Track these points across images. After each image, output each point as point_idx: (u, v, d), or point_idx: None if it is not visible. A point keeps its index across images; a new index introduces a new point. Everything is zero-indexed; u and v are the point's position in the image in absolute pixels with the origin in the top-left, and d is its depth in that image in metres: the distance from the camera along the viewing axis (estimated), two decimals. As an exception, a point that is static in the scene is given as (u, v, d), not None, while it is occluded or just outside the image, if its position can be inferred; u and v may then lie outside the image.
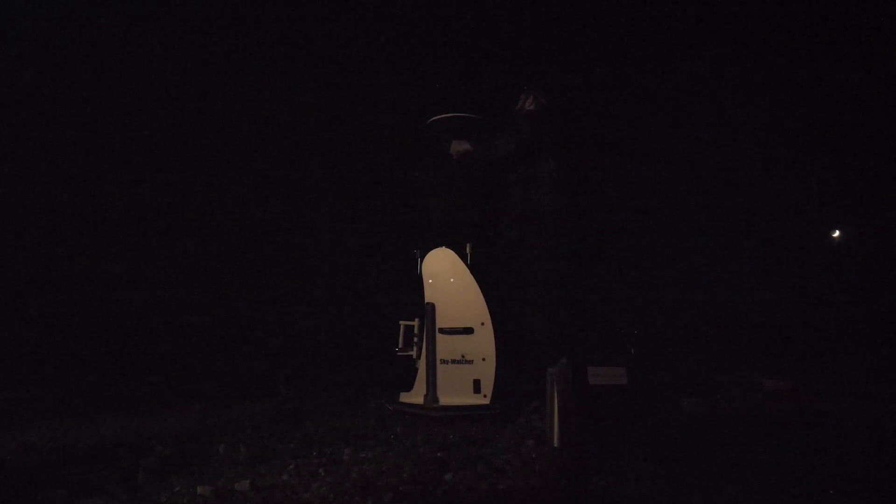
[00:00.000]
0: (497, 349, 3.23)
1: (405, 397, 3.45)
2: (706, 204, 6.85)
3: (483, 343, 3.26)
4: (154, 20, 5.66)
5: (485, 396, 3.21)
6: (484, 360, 3.24)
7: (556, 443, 2.36)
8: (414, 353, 3.50)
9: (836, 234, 8.13)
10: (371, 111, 5.89)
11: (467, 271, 3.39)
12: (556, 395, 2.38)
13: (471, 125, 3.66)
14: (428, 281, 3.47)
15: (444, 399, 3.29)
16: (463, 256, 3.43)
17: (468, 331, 3.30)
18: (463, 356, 3.29)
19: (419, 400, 3.35)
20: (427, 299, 3.45)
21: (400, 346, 3.56)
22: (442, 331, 3.36)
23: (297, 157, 6.05)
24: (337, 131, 6.02)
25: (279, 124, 6.05)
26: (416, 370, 3.45)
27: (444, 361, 3.33)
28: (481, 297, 3.32)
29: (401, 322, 3.59)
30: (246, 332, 5.75)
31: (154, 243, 5.74)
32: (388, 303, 4.63)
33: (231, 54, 5.83)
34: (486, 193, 3.70)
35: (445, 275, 3.43)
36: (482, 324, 3.28)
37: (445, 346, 3.34)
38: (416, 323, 3.52)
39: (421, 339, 3.44)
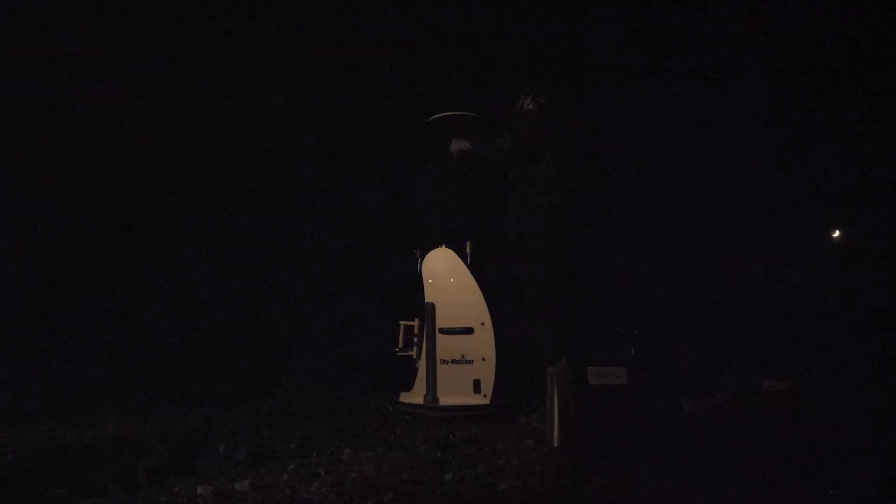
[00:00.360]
0: (497, 349, 3.23)
1: (405, 397, 3.46)
2: (706, 203, 6.85)
3: (483, 343, 3.26)
4: (153, 20, 5.66)
5: (485, 396, 3.21)
6: (484, 360, 3.24)
7: (556, 443, 2.36)
8: (414, 353, 3.50)
9: (836, 234, 8.13)
10: (371, 110, 5.89)
11: (467, 271, 3.39)
12: (556, 395, 2.38)
13: (471, 124, 3.66)
14: (428, 281, 3.47)
15: (444, 399, 3.29)
16: (463, 255, 3.43)
17: (468, 331, 3.30)
18: (463, 356, 3.29)
19: (419, 400, 3.35)
20: (427, 299, 3.45)
21: (400, 346, 3.56)
22: (442, 331, 3.37)
23: (298, 156, 6.05)
24: (337, 130, 6.02)
25: (279, 123, 6.04)
26: (416, 370, 3.45)
27: (444, 361, 3.33)
28: (481, 297, 3.32)
29: (401, 322, 3.60)
30: (246, 331, 5.75)
31: (154, 243, 5.74)
32: (388, 303, 4.63)
33: (229, 51, 5.83)
34: (487, 193, 3.71)
35: (445, 275, 3.43)
36: (482, 324, 3.28)
37: (445, 346, 3.34)
38: (416, 323, 3.52)
39: (421, 339, 3.44)
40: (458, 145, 3.58)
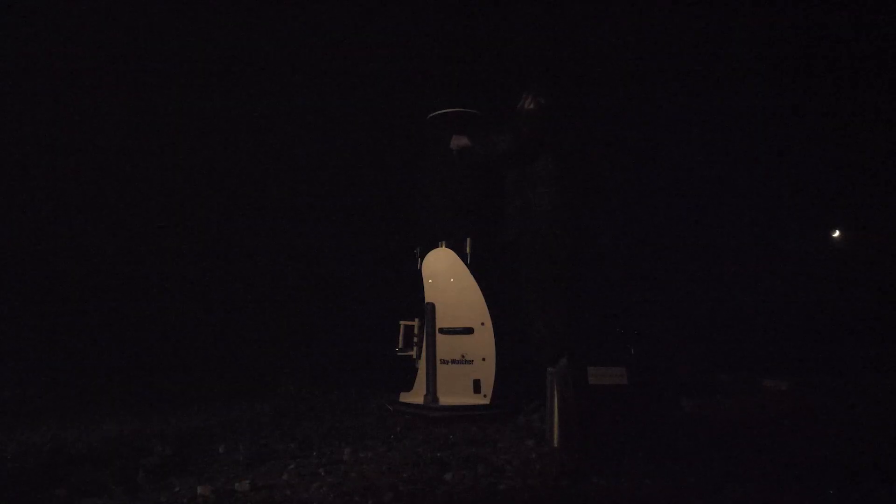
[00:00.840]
0: (497, 349, 3.23)
1: (405, 397, 3.46)
2: (706, 203, 6.85)
3: (483, 343, 3.26)
4: (151, 19, 5.66)
5: (485, 396, 3.21)
6: (484, 360, 3.24)
7: (556, 443, 2.36)
8: (414, 353, 3.50)
9: (836, 234, 8.13)
10: (372, 108, 5.88)
11: (467, 271, 3.39)
12: (556, 395, 2.38)
13: (471, 121, 3.66)
14: (428, 281, 3.47)
15: (444, 399, 3.29)
16: (462, 254, 3.43)
17: (468, 331, 3.30)
18: (463, 356, 3.29)
19: (419, 400, 3.35)
20: (427, 299, 3.45)
21: (400, 346, 3.56)
22: (442, 331, 3.37)
23: (297, 155, 6.05)
24: (338, 128, 6.01)
25: (279, 122, 6.04)
26: (416, 370, 3.45)
27: (444, 361, 3.33)
28: (481, 297, 3.32)
29: (401, 322, 3.60)
30: (246, 331, 5.75)
31: (155, 243, 5.74)
32: (388, 303, 4.63)
33: (229, 49, 5.82)
34: (487, 192, 3.70)
35: (445, 274, 3.43)
36: (482, 324, 3.28)
37: (445, 346, 3.34)
38: (416, 323, 3.52)
39: (421, 339, 3.44)
40: (458, 141, 3.58)
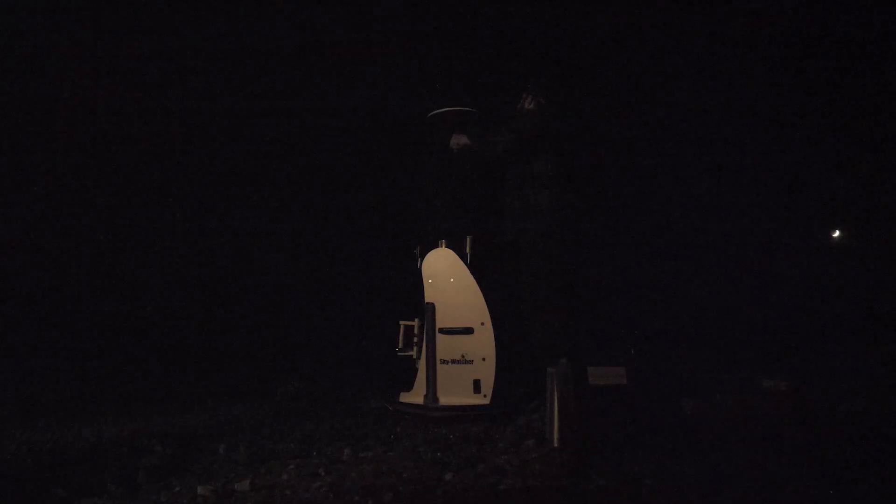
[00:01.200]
0: (497, 349, 3.23)
1: (405, 397, 3.46)
2: (705, 203, 6.85)
3: (483, 343, 3.26)
4: (142, 17, 5.65)
5: (485, 396, 3.21)
6: (484, 360, 3.24)
7: (556, 443, 2.36)
8: (414, 353, 3.50)
9: (836, 234, 8.13)
10: (371, 107, 5.88)
11: (467, 271, 3.39)
12: (556, 395, 2.38)
13: (470, 120, 3.66)
14: (428, 281, 3.47)
15: (444, 399, 3.29)
16: (462, 253, 3.43)
17: (468, 331, 3.30)
18: (463, 356, 3.29)
19: (419, 400, 3.35)
20: (427, 299, 3.45)
21: (400, 346, 3.56)
22: (442, 331, 3.36)
23: (296, 153, 6.04)
24: (337, 128, 6.01)
25: (277, 120, 6.03)
26: (416, 370, 3.45)
27: (444, 361, 3.33)
28: (481, 297, 3.32)
29: (401, 322, 3.60)
30: (246, 331, 5.74)
31: (153, 242, 5.74)
32: (388, 303, 4.63)
33: (226, 48, 5.82)
34: (487, 190, 3.70)
35: (445, 274, 3.43)
36: (482, 324, 3.28)
37: (445, 346, 3.34)
38: (416, 323, 3.52)
39: (421, 339, 3.44)
40: (458, 140, 3.58)
